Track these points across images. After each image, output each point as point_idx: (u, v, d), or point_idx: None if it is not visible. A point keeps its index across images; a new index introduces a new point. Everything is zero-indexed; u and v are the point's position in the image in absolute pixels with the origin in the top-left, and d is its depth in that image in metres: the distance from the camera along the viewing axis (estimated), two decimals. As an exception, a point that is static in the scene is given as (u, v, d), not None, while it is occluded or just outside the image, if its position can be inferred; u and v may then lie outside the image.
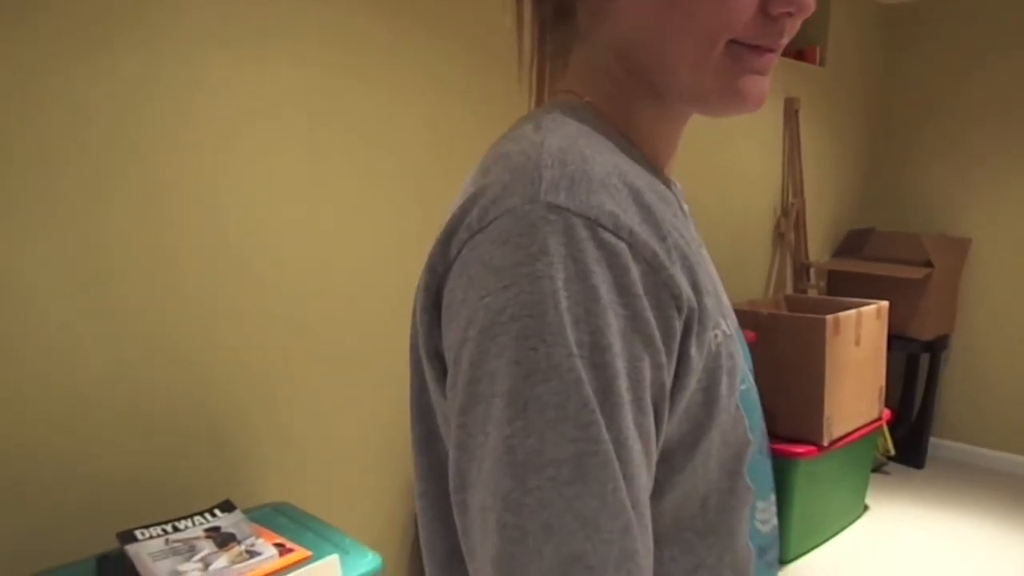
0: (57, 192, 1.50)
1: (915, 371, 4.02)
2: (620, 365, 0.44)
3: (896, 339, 3.61)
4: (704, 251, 0.61)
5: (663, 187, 0.57)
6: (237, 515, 1.60)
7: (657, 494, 0.50)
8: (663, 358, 0.47)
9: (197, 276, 1.72)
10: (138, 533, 1.50)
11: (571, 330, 0.43)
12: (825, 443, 2.85)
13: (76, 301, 1.55)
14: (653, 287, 0.46)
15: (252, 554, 1.45)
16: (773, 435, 2.93)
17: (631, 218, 0.47)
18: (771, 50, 0.55)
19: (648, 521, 0.46)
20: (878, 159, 4.25)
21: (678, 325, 0.47)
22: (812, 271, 3.85)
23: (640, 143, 0.59)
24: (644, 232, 0.47)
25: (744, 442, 0.54)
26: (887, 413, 3.31)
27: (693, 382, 0.49)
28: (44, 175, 1.49)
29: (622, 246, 0.46)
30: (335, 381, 2.00)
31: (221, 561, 1.42)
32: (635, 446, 0.45)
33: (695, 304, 0.49)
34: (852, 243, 4.04)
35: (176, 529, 1.53)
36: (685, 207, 0.64)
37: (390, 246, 2.07)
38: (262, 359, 1.85)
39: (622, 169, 0.50)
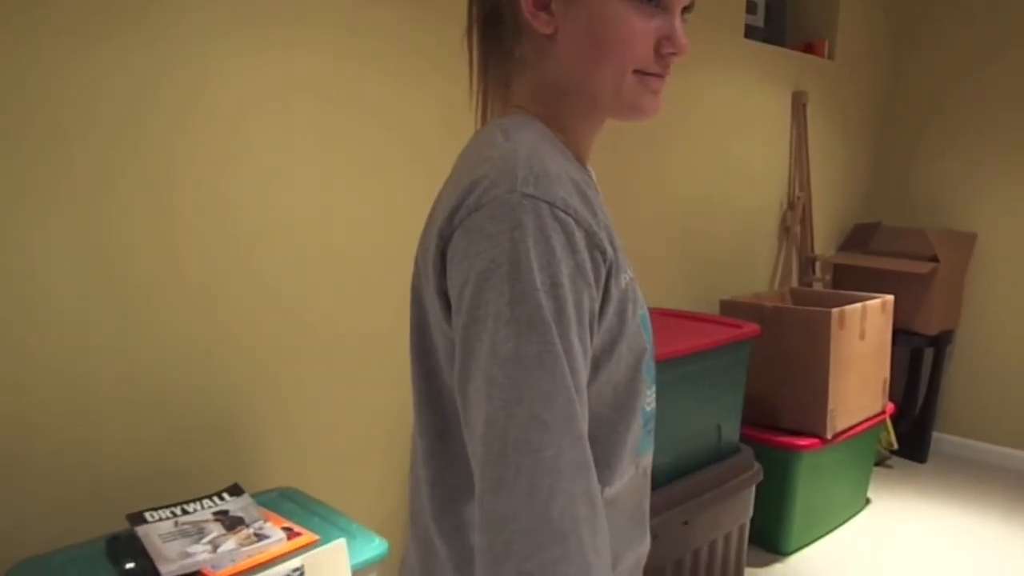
0: (66, 182, 1.52)
1: (919, 365, 4.02)
2: (569, 296, 0.68)
3: (901, 333, 3.61)
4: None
5: (587, 176, 0.83)
6: (245, 499, 1.62)
7: (588, 382, 0.73)
8: (595, 293, 0.71)
9: (205, 264, 1.73)
10: (148, 515, 1.51)
11: (537, 274, 0.66)
12: (828, 436, 2.86)
13: (85, 290, 1.56)
14: (589, 247, 0.70)
15: (260, 537, 1.46)
16: (776, 427, 2.94)
17: (575, 202, 0.71)
18: (662, 76, 0.80)
19: (585, 398, 0.70)
20: (885, 153, 4.24)
21: (603, 271, 0.72)
22: (818, 265, 3.85)
23: (570, 144, 0.84)
24: (584, 211, 0.71)
25: (642, 348, 0.80)
26: (891, 407, 3.32)
27: (611, 308, 0.74)
28: (54, 165, 1.50)
29: (570, 220, 0.69)
30: (341, 368, 2.02)
31: (230, 543, 1.43)
32: (578, 349, 0.69)
33: (614, 258, 0.73)
34: (858, 237, 4.04)
35: (185, 512, 1.55)
36: (598, 189, 0.88)
37: (399, 234, 2.08)
38: (269, 346, 1.86)
39: (565, 167, 0.74)
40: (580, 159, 0.85)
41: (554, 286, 0.67)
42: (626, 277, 0.77)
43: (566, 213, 0.69)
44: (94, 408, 1.59)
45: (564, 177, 0.72)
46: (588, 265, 0.69)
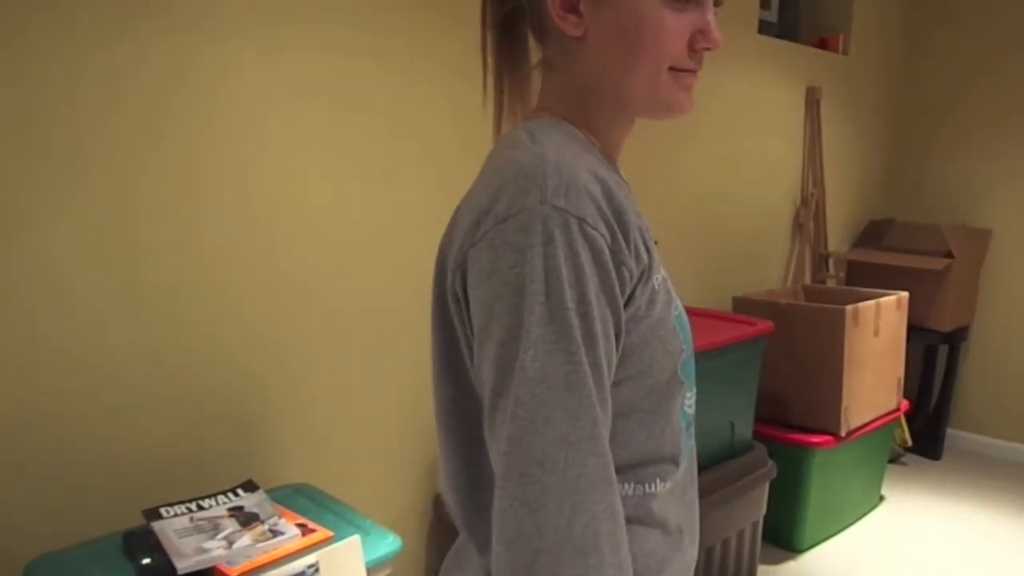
0: (88, 176, 1.53)
1: (933, 362, 4.00)
2: (596, 315, 0.68)
3: (915, 330, 3.59)
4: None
5: (618, 176, 0.82)
6: (260, 495, 1.63)
7: (619, 386, 0.74)
8: (621, 308, 0.71)
9: (223, 259, 1.74)
10: (163, 511, 1.52)
11: (568, 291, 0.67)
12: (842, 433, 2.85)
13: (104, 282, 1.57)
14: (616, 263, 0.70)
15: (275, 533, 1.47)
16: (790, 424, 2.93)
17: (605, 215, 0.70)
18: (695, 72, 0.80)
19: (609, 411, 0.71)
20: (899, 149, 4.22)
21: (629, 286, 0.72)
22: (831, 261, 3.83)
23: (600, 146, 0.83)
24: (613, 225, 0.70)
25: (679, 350, 0.78)
26: (905, 404, 3.30)
27: (641, 309, 0.74)
28: (76, 163, 1.51)
29: (599, 237, 0.69)
30: (356, 366, 2.02)
31: (245, 539, 1.44)
32: (604, 366, 0.70)
33: (646, 263, 0.74)
34: (872, 233, 4.02)
35: (200, 507, 1.55)
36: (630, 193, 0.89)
37: (413, 230, 2.08)
38: (286, 342, 1.87)
39: (593, 167, 0.73)
40: (611, 160, 0.85)
41: (583, 303, 0.67)
42: (658, 277, 0.77)
43: (595, 230, 0.69)
44: (111, 403, 1.60)
45: (593, 185, 0.71)
46: (615, 282, 0.70)
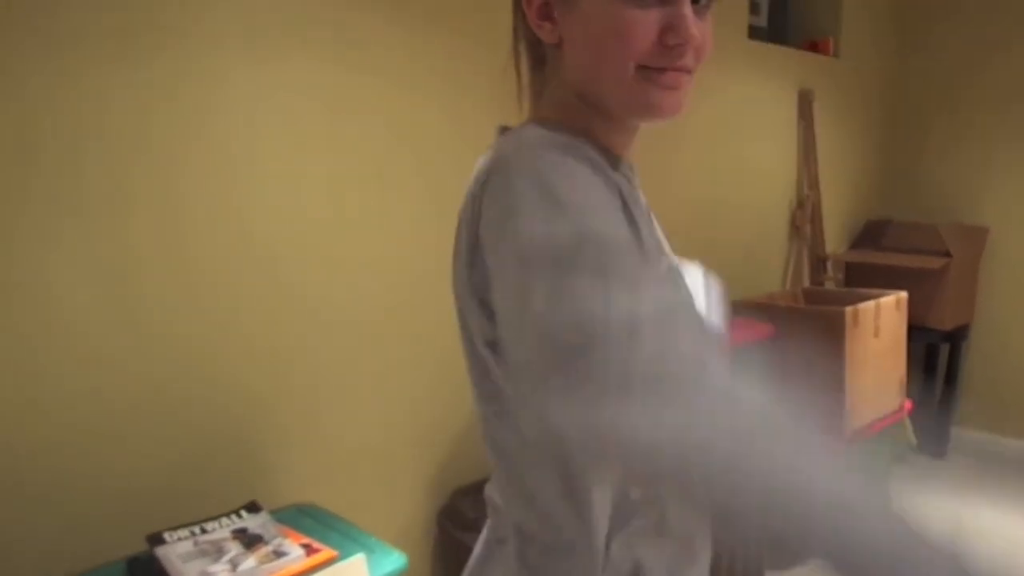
0: (81, 195, 1.52)
1: (935, 361, 3.99)
2: (609, 209, 0.72)
3: (916, 329, 3.58)
4: (653, 219, 0.88)
5: (620, 174, 0.81)
6: (263, 516, 1.62)
7: None
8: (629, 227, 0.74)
9: (221, 276, 1.74)
10: (166, 535, 1.52)
11: (569, 191, 0.68)
12: (846, 435, 2.84)
13: (101, 305, 1.57)
14: (609, 185, 0.73)
15: (279, 555, 1.46)
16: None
17: (579, 156, 0.72)
18: (676, 70, 0.76)
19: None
20: (894, 149, 4.22)
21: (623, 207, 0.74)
22: (829, 263, 3.83)
23: (604, 148, 0.82)
24: (590, 160, 0.72)
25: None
26: (908, 404, 3.29)
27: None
28: (69, 177, 1.51)
29: (593, 158, 0.73)
30: (358, 382, 2.02)
31: (249, 562, 1.43)
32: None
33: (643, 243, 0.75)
34: (869, 234, 4.02)
35: (204, 531, 1.55)
36: (638, 185, 0.88)
37: (411, 242, 2.08)
38: (285, 360, 1.86)
39: (569, 149, 0.73)
40: (615, 155, 0.84)
41: (588, 197, 0.68)
42: (666, 261, 0.79)
43: (587, 159, 0.71)
44: (110, 427, 1.60)
45: (559, 152, 0.71)
46: (614, 194, 0.72)
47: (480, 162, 0.76)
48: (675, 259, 0.82)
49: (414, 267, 2.09)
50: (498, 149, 0.74)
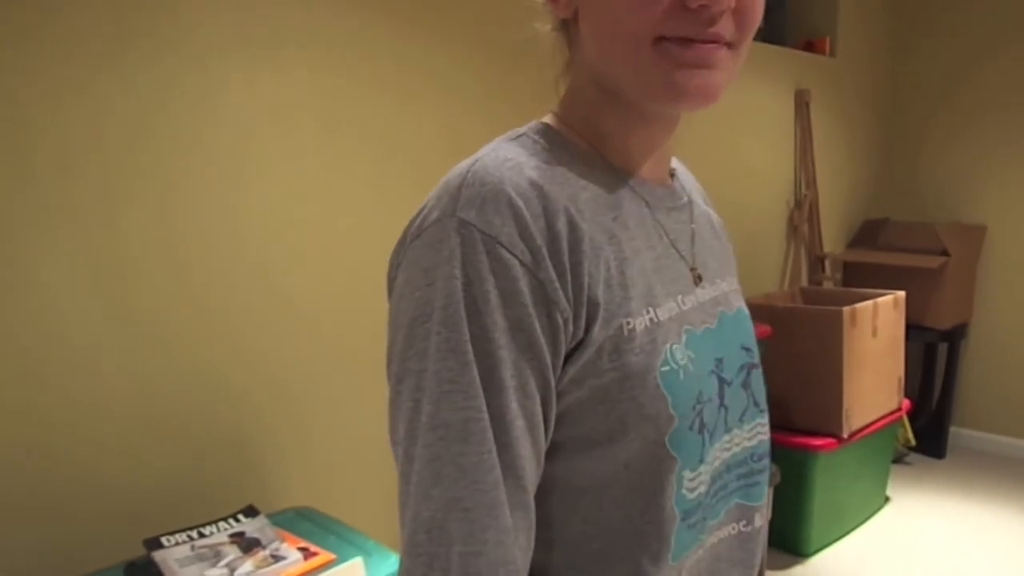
0: (76, 202, 1.52)
1: (934, 360, 3.99)
2: (504, 355, 0.56)
3: (914, 329, 3.58)
4: (692, 238, 0.73)
5: (624, 189, 0.67)
6: (261, 520, 1.62)
7: (580, 452, 0.61)
8: (547, 357, 0.57)
9: (215, 282, 1.73)
10: (164, 540, 1.51)
11: (466, 323, 0.55)
12: (845, 435, 2.84)
13: (96, 310, 1.56)
14: (543, 300, 0.57)
15: (277, 559, 1.46)
16: (792, 428, 2.92)
17: (531, 238, 0.57)
18: (702, 41, 0.59)
19: (526, 483, 0.57)
20: (891, 148, 4.23)
21: (567, 328, 0.58)
22: (827, 263, 3.83)
23: (609, 152, 0.68)
24: (541, 250, 0.57)
25: (666, 417, 0.61)
26: (907, 403, 3.29)
27: (600, 359, 0.59)
28: (64, 185, 1.50)
29: (514, 262, 0.56)
30: (353, 385, 2.01)
31: (247, 566, 1.43)
32: (516, 422, 0.56)
33: (614, 299, 0.60)
34: (867, 233, 4.02)
35: (201, 535, 1.54)
36: (680, 200, 0.75)
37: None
38: (280, 365, 1.86)
39: (552, 178, 0.61)
40: (626, 167, 0.69)
41: (485, 340, 0.55)
42: (640, 320, 0.62)
43: (510, 252, 0.56)
44: (107, 433, 1.59)
45: (528, 195, 0.58)
46: (534, 322, 0.57)
47: (441, 181, 0.64)
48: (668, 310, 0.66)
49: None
50: (444, 184, 0.63)
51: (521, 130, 0.68)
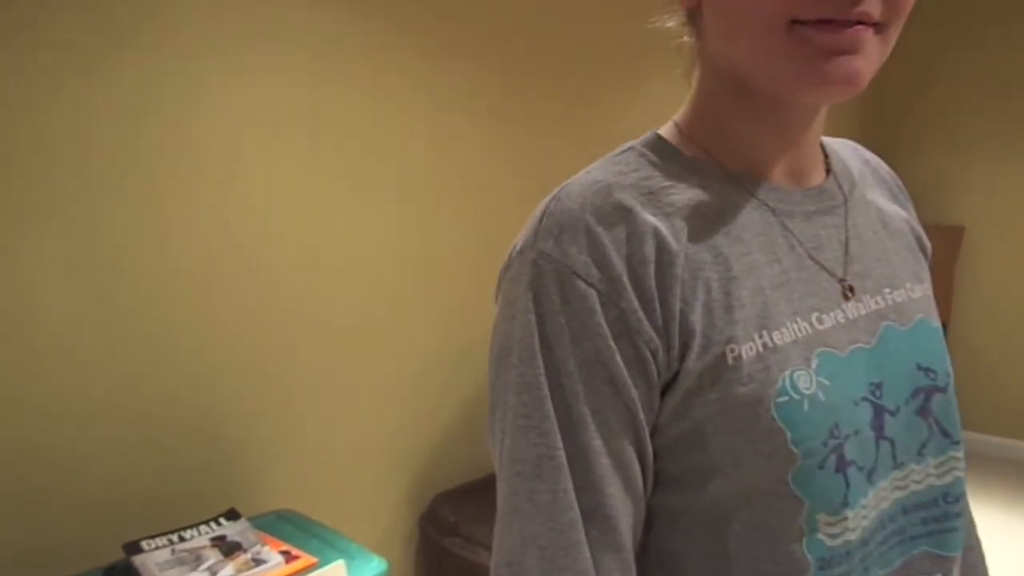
0: (62, 200, 1.51)
1: (912, 361, 4.02)
2: (579, 390, 0.54)
3: (892, 329, 3.61)
4: (838, 245, 0.64)
5: (742, 198, 0.60)
6: (243, 523, 1.61)
7: (695, 486, 0.57)
8: (632, 391, 0.54)
9: (201, 282, 1.72)
10: (144, 543, 1.50)
11: (540, 358, 0.54)
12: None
13: (81, 308, 1.55)
14: (625, 331, 0.54)
15: (258, 562, 1.45)
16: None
17: (610, 266, 0.54)
18: (845, 23, 0.52)
19: (617, 523, 0.55)
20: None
21: (657, 358, 0.55)
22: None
23: (729, 157, 0.62)
24: (622, 279, 0.54)
25: (784, 454, 0.54)
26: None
27: (701, 388, 0.55)
28: (49, 184, 1.49)
29: (591, 292, 0.54)
30: (338, 389, 2.01)
31: (228, 570, 1.42)
32: (600, 459, 0.54)
33: (695, 328, 0.55)
34: (846, 235, 4.04)
35: (182, 539, 1.53)
36: (831, 201, 0.66)
37: (392, 250, 2.07)
38: (265, 367, 1.85)
39: (634, 208, 0.56)
40: (753, 171, 0.63)
41: (560, 374, 0.54)
42: (740, 348, 0.56)
43: (587, 283, 0.54)
44: (87, 433, 1.58)
45: (613, 219, 0.55)
46: (616, 355, 0.54)
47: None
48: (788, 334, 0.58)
49: (394, 276, 2.08)
50: (535, 212, 0.59)
51: (630, 144, 0.63)
